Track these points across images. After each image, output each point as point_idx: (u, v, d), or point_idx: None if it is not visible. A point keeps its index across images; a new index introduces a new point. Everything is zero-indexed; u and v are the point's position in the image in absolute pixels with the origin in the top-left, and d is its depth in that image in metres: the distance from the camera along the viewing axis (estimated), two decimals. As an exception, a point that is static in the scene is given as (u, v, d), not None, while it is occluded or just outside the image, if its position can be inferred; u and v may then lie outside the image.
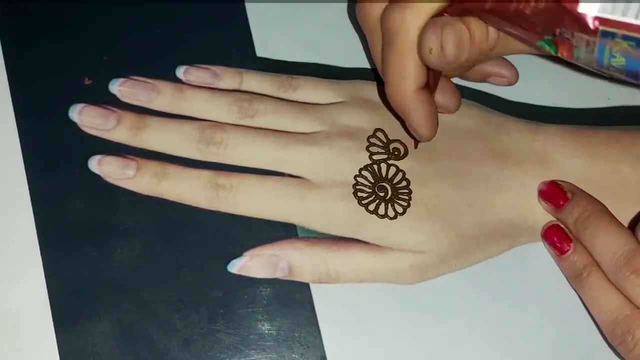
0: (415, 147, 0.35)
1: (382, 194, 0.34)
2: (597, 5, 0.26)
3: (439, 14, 0.29)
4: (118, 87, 0.35)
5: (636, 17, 0.25)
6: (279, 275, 0.33)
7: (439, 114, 0.32)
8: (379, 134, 0.35)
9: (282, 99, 0.36)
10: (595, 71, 0.28)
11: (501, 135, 0.36)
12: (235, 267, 0.33)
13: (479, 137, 0.35)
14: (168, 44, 0.36)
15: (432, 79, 0.32)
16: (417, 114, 0.31)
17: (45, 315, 0.31)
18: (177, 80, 0.36)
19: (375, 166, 0.35)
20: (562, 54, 0.28)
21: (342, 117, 0.35)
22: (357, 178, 0.34)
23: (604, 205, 0.32)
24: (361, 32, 0.37)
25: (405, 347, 0.32)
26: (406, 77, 0.30)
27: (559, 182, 0.34)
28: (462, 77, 0.35)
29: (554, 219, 0.34)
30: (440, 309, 0.33)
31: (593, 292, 0.31)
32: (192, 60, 0.36)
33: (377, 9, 0.31)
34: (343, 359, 0.32)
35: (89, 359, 0.31)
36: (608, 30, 0.26)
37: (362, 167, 0.35)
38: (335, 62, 0.37)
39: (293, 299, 0.32)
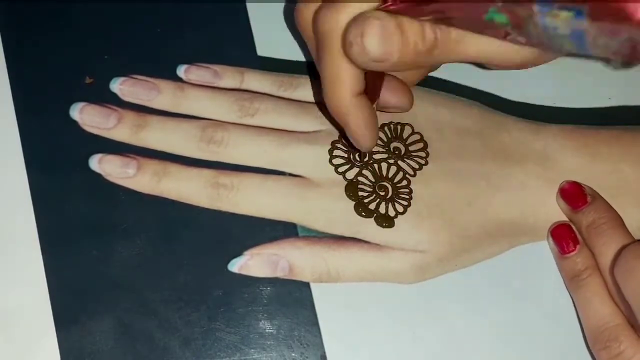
0: (360, 158, 0.34)
1: (382, 193, 0.34)
2: None
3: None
4: (119, 86, 0.35)
5: None
6: (279, 274, 0.33)
7: (437, 111, 0.32)
8: (380, 133, 0.35)
9: (282, 98, 0.36)
10: (552, 50, 0.26)
11: (502, 134, 0.36)
12: (236, 266, 0.33)
13: (479, 136, 0.35)
14: (169, 42, 0.36)
15: (371, 84, 0.30)
16: (355, 122, 0.29)
17: (45, 313, 0.31)
18: (178, 79, 0.36)
19: (375, 165, 0.35)
20: (514, 23, 0.25)
21: (342, 116, 0.35)
22: (358, 177, 0.34)
23: (620, 216, 0.32)
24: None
25: (405, 347, 0.32)
26: (341, 82, 0.28)
27: (581, 184, 0.34)
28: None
29: (555, 219, 0.34)
30: (440, 309, 0.33)
31: (588, 294, 0.31)
32: (193, 59, 0.36)
33: (311, 12, 0.29)
34: (343, 358, 0.32)
35: (89, 358, 0.31)
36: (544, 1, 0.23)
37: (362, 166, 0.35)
38: (336, 61, 0.37)
39: (293, 298, 0.32)
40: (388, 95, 0.32)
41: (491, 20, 0.25)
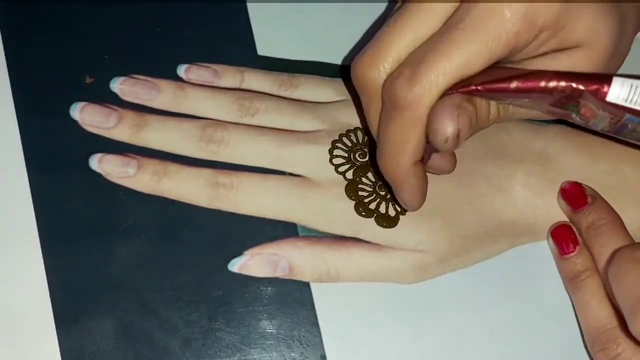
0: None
1: (382, 193, 0.34)
2: (625, 95, 0.26)
3: (448, 92, 0.27)
4: (119, 86, 0.35)
5: None
6: (279, 274, 0.33)
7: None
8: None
9: (283, 98, 0.36)
10: (606, 133, 0.28)
11: (502, 135, 0.36)
12: (236, 266, 0.33)
13: (479, 136, 0.35)
14: (169, 42, 0.36)
15: (426, 151, 0.30)
16: (410, 188, 0.30)
17: (46, 313, 0.31)
18: (178, 79, 0.36)
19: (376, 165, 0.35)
20: (585, 114, 0.27)
21: (342, 115, 0.35)
22: (358, 177, 0.34)
23: (620, 218, 0.32)
24: (362, 31, 0.37)
25: (405, 347, 0.32)
26: (405, 152, 0.28)
27: (582, 185, 0.34)
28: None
29: (555, 220, 0.34)
30: (440, 309, 0.33)
31: (587, 296, 0.31)
32: (193, 59, 0.36)
33: (378, 74, 0.28)
34: (343, 358, 0.32)
35: (89, 358, 0.31)
36: (633, 117, 0.26)
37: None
38: (336, 60, 0.37)
39: (293, 298, 0.32)
40: (438, 159, 0.32)
41: (565, 109, 0.27)
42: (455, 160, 0.32)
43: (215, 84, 0.36)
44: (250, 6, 0.37)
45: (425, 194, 0.31)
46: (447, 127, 0.26)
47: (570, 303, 0.33)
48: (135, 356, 0.31)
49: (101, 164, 0.34)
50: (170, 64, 0.36)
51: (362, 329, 0.32)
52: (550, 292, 0.33)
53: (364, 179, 0.34)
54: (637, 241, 0.32)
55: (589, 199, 0.33)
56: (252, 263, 0.33)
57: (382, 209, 0.34)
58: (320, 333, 0.32)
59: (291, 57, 0.37)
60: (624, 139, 0.28)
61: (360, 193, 0.34)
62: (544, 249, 0.34)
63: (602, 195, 0.34)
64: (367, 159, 0.35)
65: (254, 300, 0.32)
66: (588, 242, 0.32)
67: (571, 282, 0.32)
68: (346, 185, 0.34)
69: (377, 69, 0.28)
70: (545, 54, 0.28)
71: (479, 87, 0.27)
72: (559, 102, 0.27)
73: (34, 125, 0.34)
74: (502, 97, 0.28)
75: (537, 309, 0.33)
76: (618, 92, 0.26)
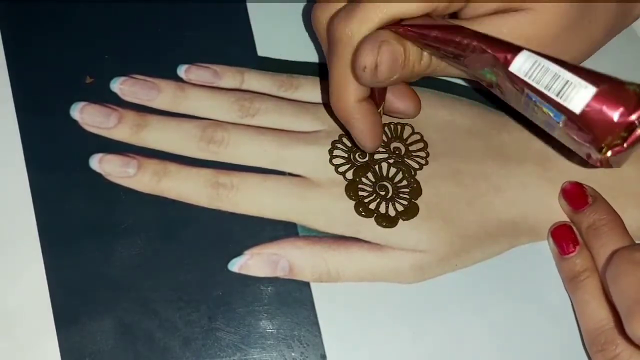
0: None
1: (382, 193, 0.34)
2: (527, 69, 0.26)
3: (382, 28, 0.28)
4: (119, 86, 0.35)
5: (557, 95, 0.25)
6: (279, 274, 0.33)
7: (437, 111, 0.32)
8: (380, 133, 0.35)
9: (282, 98, 0.36)
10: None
11: (502, 134, 0.36)
12: (236, 265, 0.33)
13: (480, 136, 0.36)
14: (169, 42, 0.36)
15: (378, 90, 0.31)
16: (359, 125, 0.31)
17: (46, 313, 0.31)
18: (178, 79, 0.36)
19: (376, 165, 0.35)
20: (501, 85, 0.28)
21: (342, 116, 0.35)
22: (358, 177, 0.34)
23: (620, 218, 0.32)
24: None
25: (405, 347, 0.32)
26: (348, 88, 0.30)
27: (583, 185, 0.34)
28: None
29: (555, 220, 0.34)
30: (440, 309, 0.33)
31: (586, 296, 0.31)
32: (193, 59, 0.36)
33: (327, 15, 0.30)
34: (343, 357, 0.32)
35: (89, 358, 0.31)
36: (532, 94, 0.26)
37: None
38: (336, 61, 0.37)
39: (293, 298, 0.32)
40: (394, 100, 0.33)
41: (484, 74, 0.28)
42: (416, 103, 0.33)
43: (215, 85, 0.36)
44: (250, 6, 0.37)
45: (379, 134, 0.32)
46: (365, 56, 0.28)
47: (570, 303, 0.33)
48: (135, 356, 0.31)
49: (101, 164, 0.34)
50: (170, 64, 0.36)
51: (362, 329, 0.32)
52: (550, 292, 0.33)
53: (363, 179, 0.34)
54: (637, 241, 0.32)
55: (590, 199, 0.33)
56: (252, 263, 0.33)
57: (382, 209, 0.34)
58: (320, 333, 0.32)
59: (291, 58, 0.37)
60: (534, 121, 0.28)
61: (360, 193, 0.34)
62: (544, 249, 0.34)
63: (602, 195, 0.34)
64: (367, 159, 0.35)
65: (254, 300, 0.32)
66: (588, 242, 0.32)
67: (571, 282, 0.32)
68: (346, 185, 0.34)
69: (328, 11, 0.30)
70: (494, 14, 0.29)
71: (407, 27, 0.28)
72: (475, 63, 0.27)
73: (34, 125, 0.34)
74: (427, 45, 0.29)
75: (537, 309, 0.33)
76: (521, 64, 0.26)
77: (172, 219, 0.33)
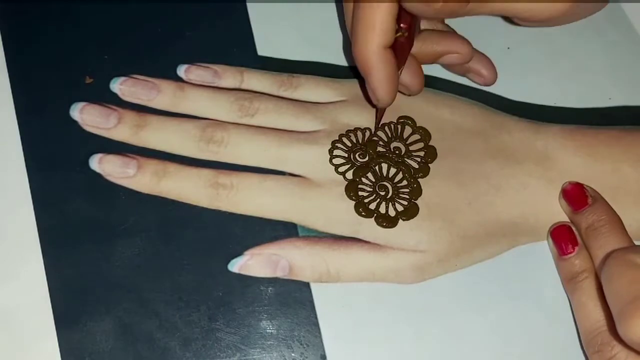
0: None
1: (382, 193, 0.34)
2: None
3: None
4: (119, 86, 0.35)
5: None
6: (279, 274, 0.33)
7: (438, 111, 0.32)
8: (380, 133, 0.35)
9: (282, 98, 0.36)
10: None
11: (502, 134, 0.36)
12: (236, 266, 0.33)
13: (480, 136, 0.35)
14: (169, 42, 0.36)
15: (400, 51, 0.32)
16: (379, 73, 0.31)
17: (46, 314, 0.31)
18: (178, 79, 0.36)
19: (376, 165, 0.35)
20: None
21: (342, 116, 0.35)
22: (358, 177, 0.34)
23: (620, 219, 0.32)
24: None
25: (405, 347, 0.32)
26: (373, 32, 0.30)
27: (584, 185, 0.34)
28: (434, 62, 0.35)
29: (555, 220, 0.34)
30: (440, 309, 0.33)
31: (583, 297, 0.31)
32: (193, 59, 0.36)
33: None
34: (343, 358, 0.32)
35: (89, 358, 0.31)
36: None
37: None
38: (336, 60, 0.37)
39: (293, 298, 0.32)
40: (405, 72, 0.33)
41: None
42: (421, 82, 0.34)
43: (215, 84, 0.36)
44: (250, 6, 0.37)
45: (395, 89, 0.32)
46: None
47: (569, 304, 0.33)
48: (135, 356, 0.31)
49: (101, 164, 0.34)
50: (170, 64, 0.36)
51: (362, 329, 0.32)
52: (550, 292, 0.33)
53: (364, 179, 0.34)
54: (637, 242, 0.32)
55: (590, 200, 0.33)
56: (252, 263, 0.33)
57: (382, 209, 0.34)
58: (320, 333, 0.32)
59: (291, 57, 0.37)
60: None
61: (360, 193, 0.34)
62: (544, 249, 0.34)
63: (603, 195, 0.34)
64: (367, 159, 0.35)
65: (254, 301, 0.32)
66: (587, 243, 0.32)
67: (569, 282, 0.32)
68: (346, 185, 0.34)
69: None
70: None
71: None
72: None
73: (34, 126, 0.34)
74: None
75: (537, 309, 0.33)
76: None
77: (172, 219, 0.33)
